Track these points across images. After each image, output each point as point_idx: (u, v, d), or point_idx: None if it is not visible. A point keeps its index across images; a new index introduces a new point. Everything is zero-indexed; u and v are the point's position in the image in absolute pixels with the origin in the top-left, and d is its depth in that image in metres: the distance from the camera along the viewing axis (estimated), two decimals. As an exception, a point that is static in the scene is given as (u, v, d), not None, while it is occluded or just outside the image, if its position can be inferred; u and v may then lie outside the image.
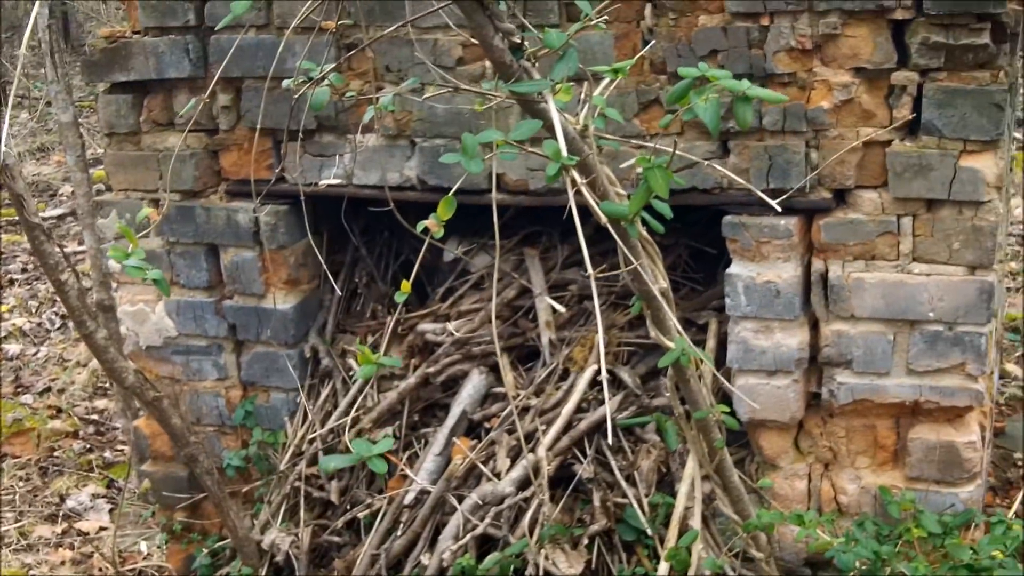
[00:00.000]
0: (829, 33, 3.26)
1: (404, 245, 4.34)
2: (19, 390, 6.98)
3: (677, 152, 2.15)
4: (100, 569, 5.16)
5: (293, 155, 3.86)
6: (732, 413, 2.93)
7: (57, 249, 3.32)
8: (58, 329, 7.64)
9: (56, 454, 6.21)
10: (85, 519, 5.61)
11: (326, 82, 2.48)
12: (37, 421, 6.39)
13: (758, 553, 2.95)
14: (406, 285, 2.15)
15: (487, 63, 3.53)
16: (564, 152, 1.89)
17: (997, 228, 3.30)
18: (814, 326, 3.53)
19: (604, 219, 2.17)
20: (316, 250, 3.66)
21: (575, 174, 1.91)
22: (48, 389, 6.97)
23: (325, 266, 4.06)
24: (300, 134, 3.79)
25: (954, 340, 3.37)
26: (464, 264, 4.17)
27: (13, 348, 7.58)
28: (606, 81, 2.26)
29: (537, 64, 2.05)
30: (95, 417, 6.51)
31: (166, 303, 4.16)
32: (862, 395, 3.49)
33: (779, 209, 2.43)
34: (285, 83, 2.63)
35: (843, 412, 3.55)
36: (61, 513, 5.67)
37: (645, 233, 2.37)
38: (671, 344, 2.45)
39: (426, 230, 2.11)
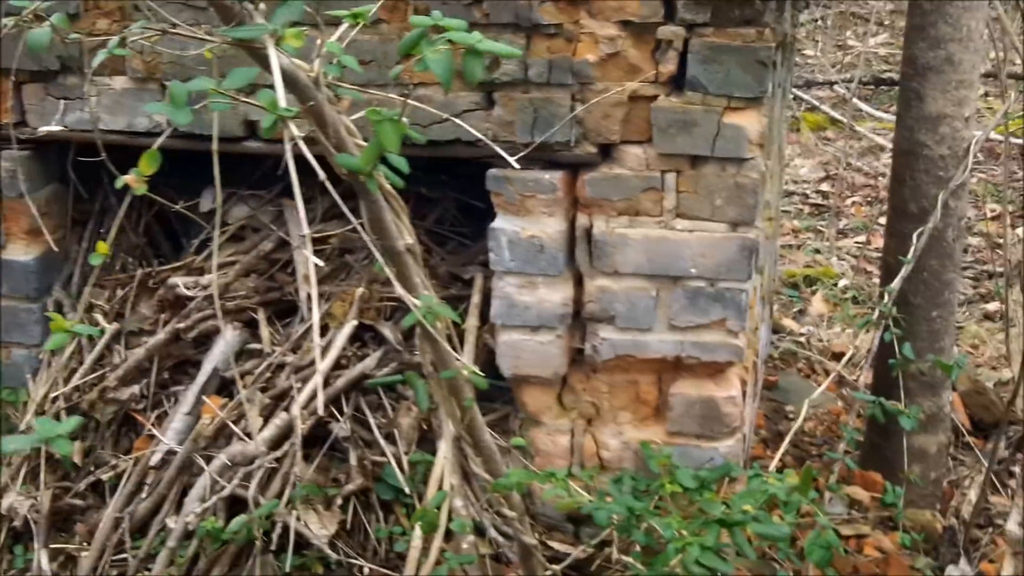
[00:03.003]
0: (595, -16, 3.18)
1: (158, 195, 4.11)
2: None
3: (418, 105, 2.02)
4: None
5: (35, 97, 3.62)
6: (493, 371, 2.83)
7: None
8: None
9: None
10: None
11: (48, 24, 2.25)
12: None
13: (510, 512, 2.88)
14: (103, 246, 1.98)
15: (237, 2, 3.35)
16: (282, 103, 1.74)
17: (760, 185, 3.28)
18: (578, 282, 3.46)
19: (343, 172, 2.04)
20: (63, 198, 3.44)
21: (292, 128, 1.77)
22: None
23: (73, 215, 3.87)
24: (37, 74, 3.58)
25: (715, 296, 3.34)
26: (221, 215, 3.99)
27: None
28: (344, 26, 2.12)
29: (263, 7, 1.90)
30: None
31: (-102, 252, 3.89)
32: (624, 351, 3.45)
33: (515, 164, 2.34)
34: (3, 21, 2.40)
35: (606, 368, 3.51)
36: None
37: (388, 187, 2.25)
38: (415, 302, 2.33)
39: (127, 188, 1.94)
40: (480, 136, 2.71)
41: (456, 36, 1.90)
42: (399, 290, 2.34)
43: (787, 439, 3.75)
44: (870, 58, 11.79)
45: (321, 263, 3.70)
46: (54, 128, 3.54)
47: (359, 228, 2.12)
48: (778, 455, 3.67)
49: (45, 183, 3.78)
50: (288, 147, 1.77)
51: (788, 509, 2.81)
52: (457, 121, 2.97)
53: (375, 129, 1.90)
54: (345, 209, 2.03)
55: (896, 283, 3.89)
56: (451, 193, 4.00)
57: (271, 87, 1.81)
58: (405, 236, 2.36)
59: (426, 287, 2.42)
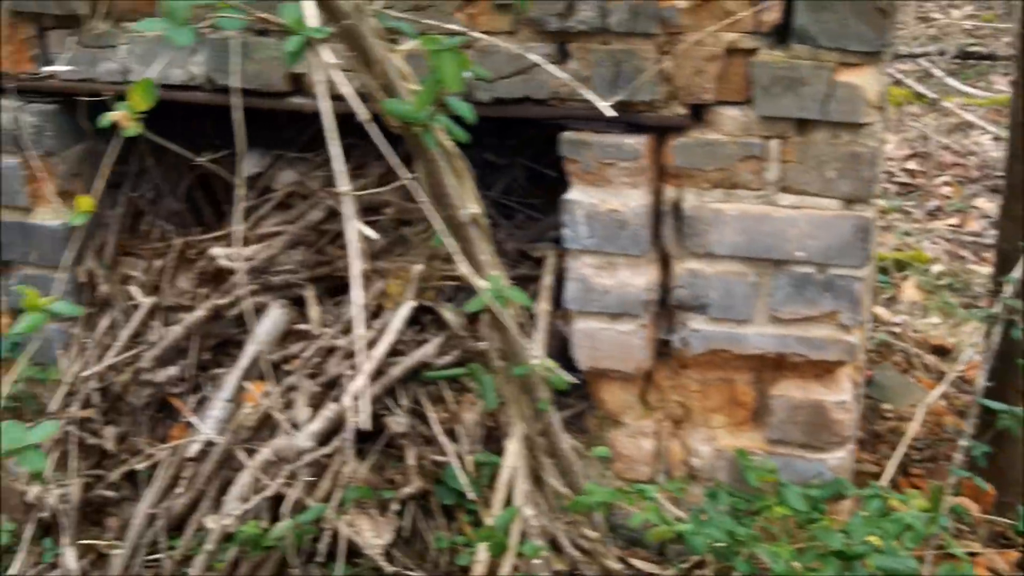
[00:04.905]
0: (687, -84, 2.77)
1: (199, 156, 3.76)
2: None
3: (494, 43, 1.63)
4: None
5: (62, 45, 3.27)
6: (569, 364, 2.45)
7: None
8: None
9: None
10: None
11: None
12: None
13: (592, 533, 2.49)
14: (86, 201, 1.62)
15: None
16: (314, 21, 1.35)
17: (879, 156, 2.86)
18: (664, 264, 3.06)
19: (393, 124, 1.65)
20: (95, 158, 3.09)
21: (326, 54, 1.38)
22: None
23: (108, 178, 3.51)
24: (65, 20, 3.23)
25: (825, 284, 2.93)
26: (267, 181, 3.62)
27: None
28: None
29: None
30: None
31: (-80, 213, 3.57)
32: (718, 345, 3.04)
33: (614, 113, 1.93)
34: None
35: (697, 363, 3.11)
36: None
37: (450, 143, 1.85)
38: (482, 283, 1.95)
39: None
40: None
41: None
42: (462, 269, 1.96)
43: (899, 451, 3.32)
44: (956, 31, 11.32)
45: (374, 234, 3.37)
46: (61, 69, 3.18)
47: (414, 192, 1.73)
48: (889, 470, 3.25)
49: (75, 141, 3.43)
50: (322, 84, 1.37)
51: (914, 538, 2.40)
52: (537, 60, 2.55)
53: (432, 63, 1.51)
54: (398, 168, 1.63)
55: (1018, 271, 3.46)
56: (520, 160, 3.60)
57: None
58: (469, 204, 1.97)
59: (494, 266, 2.02)
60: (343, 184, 1.43)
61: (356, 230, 3.18)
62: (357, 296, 1.75)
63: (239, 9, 1.42)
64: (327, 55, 1.38)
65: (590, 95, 1.95)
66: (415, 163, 1.85)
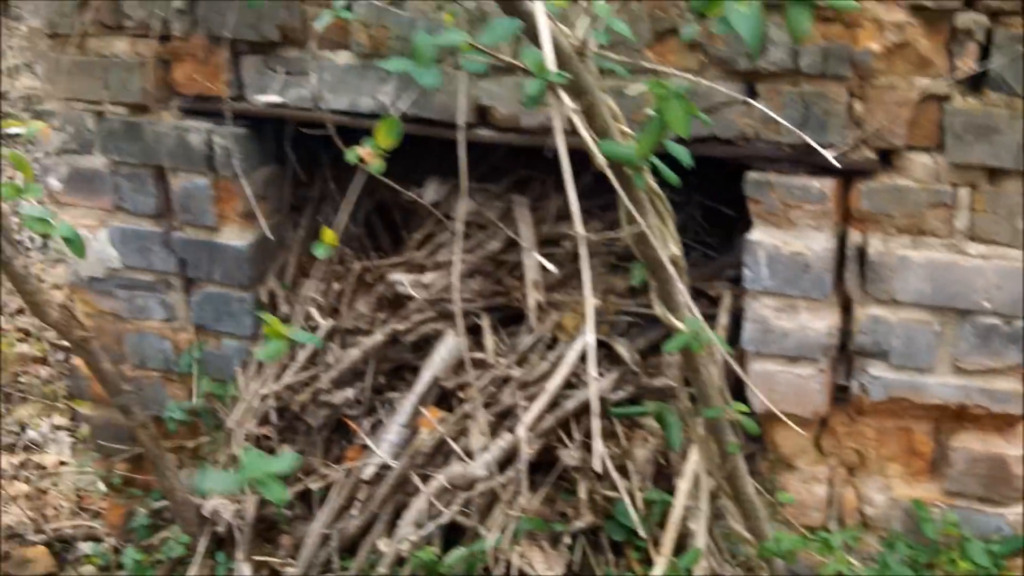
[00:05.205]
0: (887, -40, 2.74)
1: (380, 183, 3.79)
2: (-9, 309, 6.60)
3: (700, 81, 1.63)
4: (55, 508, 4.81)
5: (254, 70, 3.35)
6: (749, 412, 2.43)
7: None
8: (40, 248, 7.18)
9: (21, 380, 5.88)
10: (45, 451, 5.28)
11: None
12: (4, 343, 6.04)
13: (775, 581, 2.46)
14: (330, 234, 1.66)
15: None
16: (552, 65, 1.37)
17: (1072, 207, 2.79)
18: (846, 308, 3.01)
19: (603, 163, 1.66)
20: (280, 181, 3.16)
21: (564, 96, 1.40)
22: (21, 310, 6.57)
23: (290, 200, 3.59)
24: (257, 46, 3.32)
25: (1011, 336, 2.86)
26: (446, 209, 3.66)
27: (-11, 264, 7.19)
28: (617, -13, 1.75)
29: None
30: (66, 343, 6.11)
31: (110, 230, 3.68)
32: (898, 392, 2.99)
33: (834, 161, 1.92)
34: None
35: (875, 410, 3.05)
36: (21, 444, 5.32)
37: (655, 185, 1.86)
38: (679, 324, 1.95)
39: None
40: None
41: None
42: (658, 309, 1.96)
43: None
44: None
45: (553, 268, 3.39)
46: (273, 99, 3.25)
47: (624, 233, 1.74)
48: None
49: (262, 163, 3.51)
50: (560, 128, 1.39)
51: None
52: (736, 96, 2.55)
53: (658, 107, 1.52)
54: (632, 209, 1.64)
55: None
56: (697, 197, 3.59)
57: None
58: (670, 245, 1.98)
59: (691, 307, 2.02)
60: (578, 227, 1.43)
61: (535, 263, 3.22)
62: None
63: (483, 51, 1.45)
64: (567, 100, 1.40)
65: (810, 140, 1.93)
66: (619, 202, 1.86)
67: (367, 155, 1.59)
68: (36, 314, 3.19)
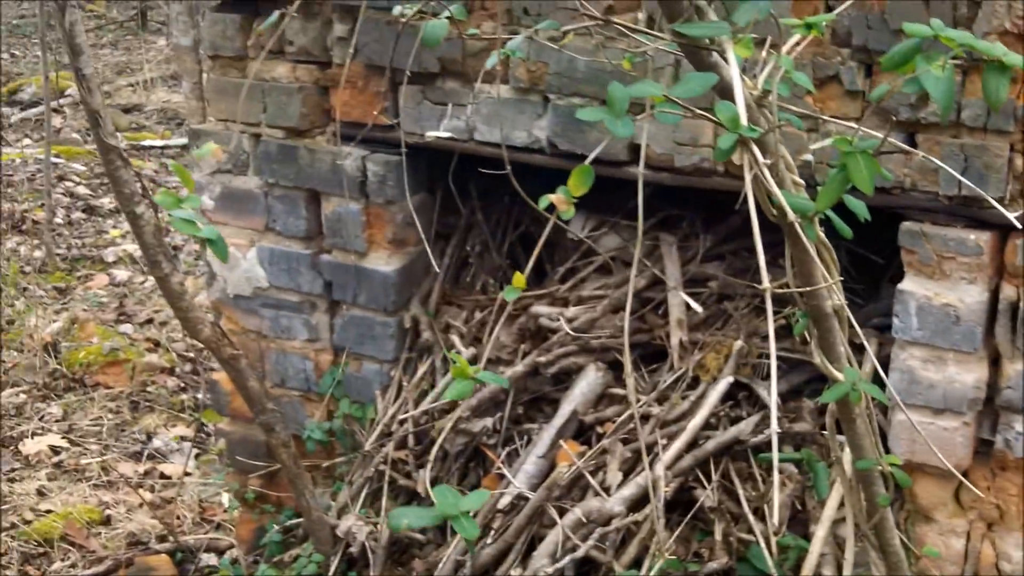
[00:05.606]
0: (1052, 17, 2.71)
1: (525, 214, 3.85)
2: (121, 318, 6.76)
3: (884, 138, 1.64)
4: (178, 517, 4.90)
5: (411, 100, 3.41)
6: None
7: (134, 176, 2.93)
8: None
9: (149, 389, 6.03)
10: (170, 461, 5.41)
11: (445, 14, 1.99)
12: (133, 353, 6.21)
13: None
14: (520, 279, 1.69)
15: (640, 15, 3.03)
16: (744, 120, 1.39)
17: None
18: (994, 362, 2.97)
19: (781, 213, 1.67)
20: (428, 209, 3.21)
21: (756, 151, 1.42)
22: (150, 321, 6.74)
23: (436, 228, 3.64)
24: (415, 76, 3.36)
25: None
26: (590, 244, 3.68)
27: (121, 274, 7.40)
28: (796, 38, 1.75)
29: (713, 5, 1.56)
30: (193, 355, 6.24)
31: (259, 249, 3.76)
32: (1043, 449, 2.95)
33: (1018, 224, 1.91)
34: (396, 9, 2.16)
35: (1018, 466, 3.00)
36: (146, 452, 5.44)
37: (824, 236, 1.87)
38: (838, 375, 1.95)
39: (552, 207, 1.63)
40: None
41: (979, 45, 1.50)
42: (817, 358, 1.97)
43: None
44: None
45: (699, 308, 3.40)
46: (442, 134, 3.31)
47: (789, 279, 1.74)
48: None
49: (413, 191, 3.56)
50: (748, 178, 1.41)
51: None
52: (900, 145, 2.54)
53: (843, 163, 1.53)
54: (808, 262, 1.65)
55: None
56: (845, 243, 3.57)
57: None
58: (834, 296, 1.98)
59: (851, 359, 2.02)
60: (764, 279, 1.45)
61: (680, 301, 3.23)
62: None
63: (676, 104, 1.48)
64: (759, 154, 1.42)
65: (994, 203, 1.92)
66: (787, 252, 1.87)
67: (559, 202, 1.61)
68: (188, 330, 3.28)
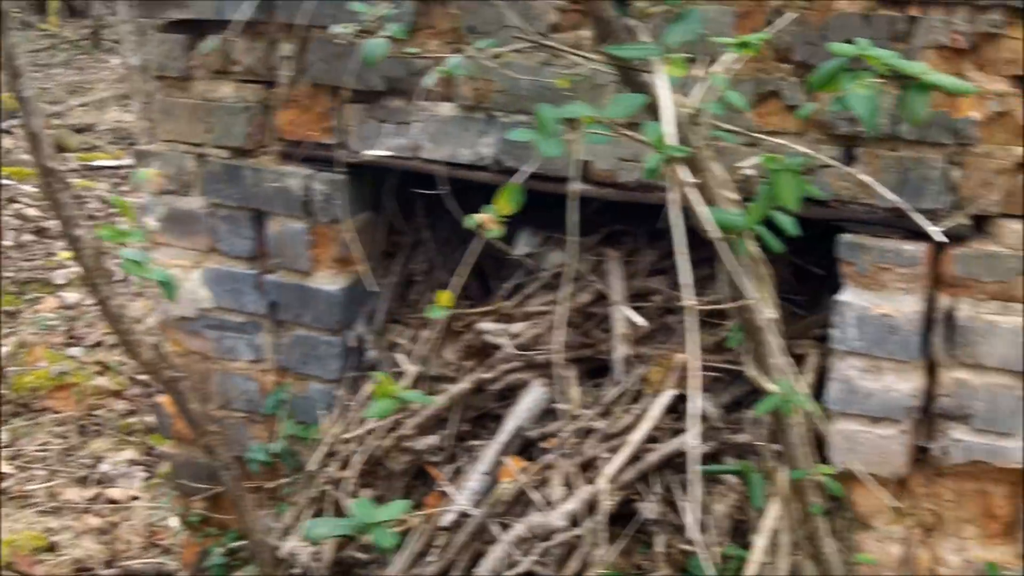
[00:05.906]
0: (988, 32, 2.75)
1: (472, 232, 3.87)
2: (70, 341, 6.72)
3: (809, 153, 1.68)
4: (126, 542, 4.87)
5: (356, 118, 3.44)
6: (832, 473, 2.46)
7: (74, 199, 2.94)
8: (120, 281, 7.31)
9: (97, 413, 5.97)
10: (117, 486, 5.36)
11: (386, 32, 2.02)
12: (82, 376, 6.16)
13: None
14: (445, 296, 1.71)
15: (585, 32, 3.07)
16: (673, 140, 1.42)
17: None
18: (930, 371, 3.03)
19: (711, 231, 1.70)
20: (373, 227, 3.23)
21: (682, 170, 1.45)
22: (99, 343, 6.69)
23: (384, 247, 3.66)
24: (361, 95, 3.39)
25: (1094, 405, 2.87)
26: (527, 261, 3.71)
27: (71, 296, 7.35)
28: (730, 56, 1.79)
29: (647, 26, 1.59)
30: (143, 378, 6.21)
31: (204, 271, 3.76)
32: (979, 456, 2.99)
33: (942, 236, 1.96)
34: (337, 28, 2.18)
35: (954, 473, 3.05)
36: (94, 477, 5.41)
37: (756, 250, 1.91)
38: (772, 387, 1.99)
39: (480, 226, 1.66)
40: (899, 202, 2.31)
41: (900, 64, 1.54)
42: (750, 371, 2.00)
43: None
44: None
45: (643, 321, 3.43)
46: (383, 153, 3.33)
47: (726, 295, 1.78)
48: None
49: (359, 210, 3.58)
50: (675, 196, 1.44)
51: None
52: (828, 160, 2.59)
53: (771, 179, 1.57)
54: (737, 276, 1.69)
55: None
56: (786, 256, 3.62)
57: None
58: (767, 309, 2.02)
59: (785, 370, 2.06)
60: (689, 300, 1.48)
61: (624, 316, 3.26)
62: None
63: (606, 125, 1.51)
64: (686, 174, 1.45)
65: (920, 218, 1.97)
66: (719, 267, 1.91)
67: (487, 221, 1.64)
68: (129, 353, 3.28)
